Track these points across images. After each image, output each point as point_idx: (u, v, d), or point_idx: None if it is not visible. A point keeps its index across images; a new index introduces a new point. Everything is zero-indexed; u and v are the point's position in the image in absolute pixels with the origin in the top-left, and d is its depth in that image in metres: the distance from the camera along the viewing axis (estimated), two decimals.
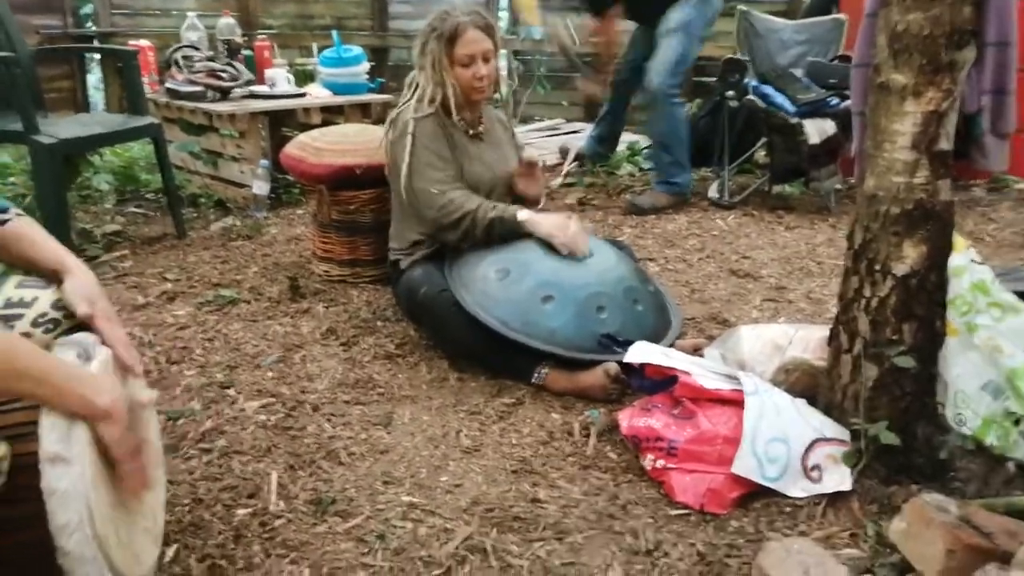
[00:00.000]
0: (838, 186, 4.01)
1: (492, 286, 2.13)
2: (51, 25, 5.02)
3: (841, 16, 4.29)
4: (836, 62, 4.06)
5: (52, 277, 1.32)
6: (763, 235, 3.53)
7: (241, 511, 1.58)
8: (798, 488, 1.63)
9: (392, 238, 2.47)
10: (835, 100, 3.74)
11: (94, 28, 5.36)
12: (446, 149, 2.31)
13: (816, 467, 1.64)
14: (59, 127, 2.97)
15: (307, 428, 1.89)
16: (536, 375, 2.08)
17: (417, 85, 2.37)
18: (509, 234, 2.21)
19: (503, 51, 2.29)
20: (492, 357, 2.13)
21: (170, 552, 1.45)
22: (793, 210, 3.93)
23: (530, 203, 2.50)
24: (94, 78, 5.96)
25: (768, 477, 1.62)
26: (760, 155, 4.34)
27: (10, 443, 1.07)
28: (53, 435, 1.07)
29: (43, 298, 1.31)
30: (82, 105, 5.25)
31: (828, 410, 1.76)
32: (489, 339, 2.07)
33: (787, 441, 1.64)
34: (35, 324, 1.28)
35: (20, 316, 1.28)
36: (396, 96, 2.53)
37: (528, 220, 2.21)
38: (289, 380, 2.13)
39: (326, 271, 2.85)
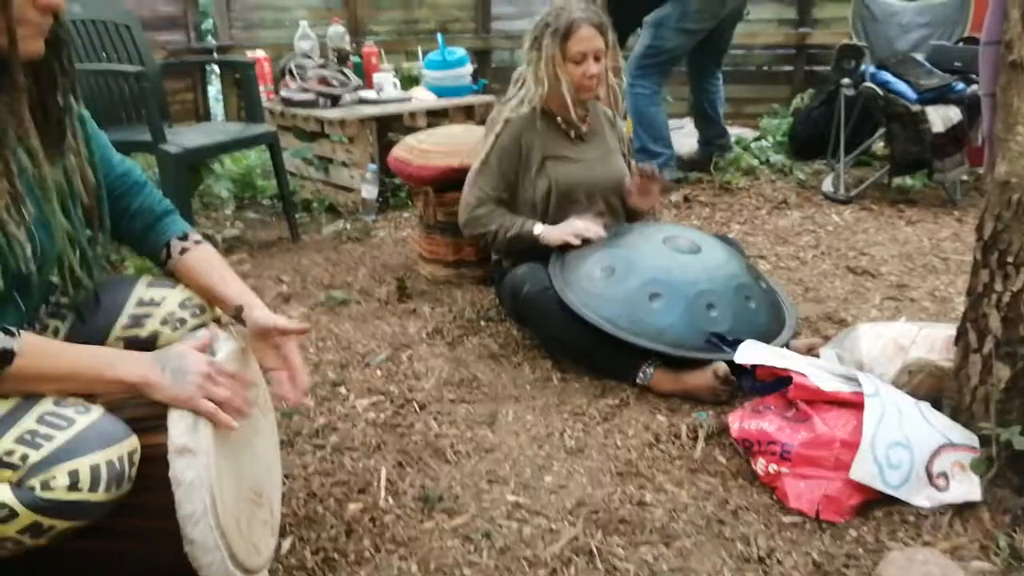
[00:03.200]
0: (964, 177, 3.78)
1: (597, 284, 2.11)
2: (175, 41, 5.31)
3: None
4: (961, 44, 3.82)
5: (231, 312, 1.37)
6: (882, 230, 3.37)
7: (352, 506, 1.63)
8: (922, 496, 1.55)
9: None
10: (960, 85, 3.53)
11: (214, 42, 5.63)
12: (516, 163, 2.34)
13: (942, 475, 1.55)
14: (183, 137, 3.13)
15: (414, 426, 1.93)
16: (641, 375, 2.05)
17: (524, 81, 2.37)
18: (529, 248, 2.29)
19: None
20: (596, 356, 2.11)
21: (286, 544, 1.51)
22: (915, 203, 3.73)
23: (641, 215, 2.50)
24: (214, 89, 6.25)
25: (889, 484, 1.54)
26: (878, 146, 4.14)
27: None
28: (180, 427, 1.12)
29: (171, 297, 1.39)
30: (203, 115, 5.52)
31: (955, 414, 1.66)
32: (593, 337, 2.05)
33: (910, 446, 1.56)
34: (163, 322, 1.36)
35: (150, 315, 1.37)
36: (499, 97, 2.54)
37: (542, 234, 2.28)
38: (397, 379, 2.17)
39: (431, 272, 2.90)
